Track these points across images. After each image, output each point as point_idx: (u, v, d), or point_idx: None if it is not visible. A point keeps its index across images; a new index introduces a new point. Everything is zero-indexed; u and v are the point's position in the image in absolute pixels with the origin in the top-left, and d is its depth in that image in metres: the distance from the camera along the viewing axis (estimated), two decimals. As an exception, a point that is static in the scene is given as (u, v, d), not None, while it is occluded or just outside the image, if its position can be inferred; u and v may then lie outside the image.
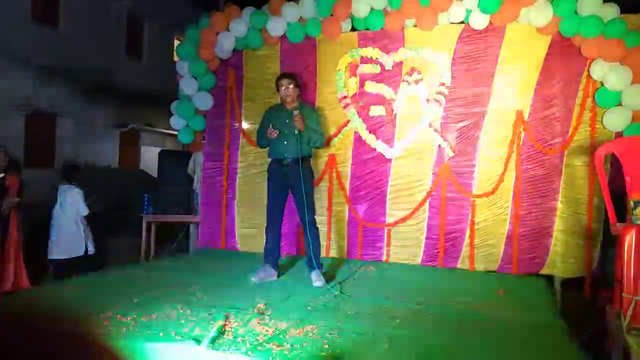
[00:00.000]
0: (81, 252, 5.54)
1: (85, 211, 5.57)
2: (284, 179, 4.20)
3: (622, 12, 4.27)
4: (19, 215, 5.02)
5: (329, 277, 4.09)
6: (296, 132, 4.07)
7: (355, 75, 5.16)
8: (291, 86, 4.18)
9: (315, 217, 4.27)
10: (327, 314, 3.16)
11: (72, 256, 5.49)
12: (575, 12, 4.32)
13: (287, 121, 4.14)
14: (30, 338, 2.76)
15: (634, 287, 3.15)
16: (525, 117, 4.68)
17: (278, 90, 4.26)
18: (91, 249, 5.65)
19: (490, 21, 4.63)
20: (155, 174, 8.16)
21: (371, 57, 5.08)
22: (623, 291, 3.20)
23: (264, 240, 4.31)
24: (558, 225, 4.62)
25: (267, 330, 2.76)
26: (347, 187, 5.20)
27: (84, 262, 5.47)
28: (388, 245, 5.06)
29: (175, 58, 5.97)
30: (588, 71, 4.45)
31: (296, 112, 4.08)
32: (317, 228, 4.23)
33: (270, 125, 4.08)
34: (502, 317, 3.18)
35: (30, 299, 3.25)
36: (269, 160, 4.36)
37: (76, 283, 3.71)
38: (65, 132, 10.74)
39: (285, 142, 4.14)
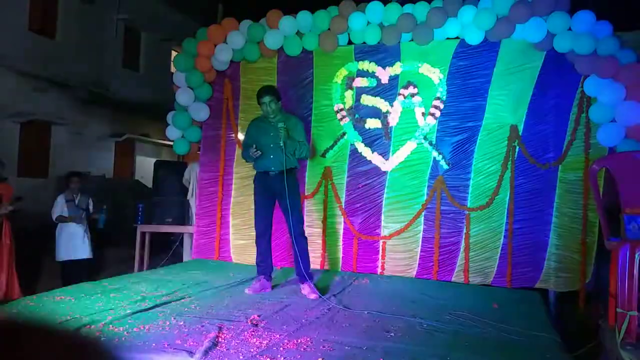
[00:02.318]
0: (80, 256, 5.69)
1: (54, 217, 5.67)
2: (270, 190, 4.19)
3: (615, 29, 4.33)
4: (12, 224, 4.98)
5: (322, 289, 4.07)
6: (281, 144, 4.06)
7: (351, 88, 5.20)
8: (272, 103, 4.14)
9: (307, 228, 4.24)
10: (321, 326, 3.14)
11: (71, 258, 5.66)
12: (569, 29, 4.38)
13: (271, 134, 4.13)
14: (22, 348, 2.72)
15: (628, 302, 3.15)
16: (520, 131, 4.72)
17: (259, 105, 4.19)
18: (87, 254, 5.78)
19: (485, 37, 4.69)
20: (150, 184, 8.14)
21: (367, 71, 5.13)
22: (617, 306, 3.20)
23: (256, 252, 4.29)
24: (552, 239, 4.64)
25: (260, 343, 2.74)
26: (343, 199, 5.21)
27: (84, 266, 5.72)
28: (383, 257, 5.05)
29: (172, 69, 5.99)
30: (582, 87, 4.50)
31: (282, 125, 4.05)
32: (305, 238, 4.20)
33: (254, 146, 4.06)
34: (497, 331, 3.17)
35: (22, 308, 3.21)
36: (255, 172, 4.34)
37: (69, 293, 3.67)
38: (61, 141, 10.72)
39: (272, 156, 4.13)
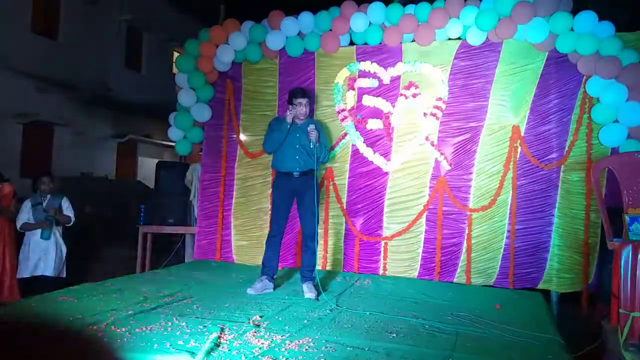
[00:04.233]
0: (44, 273, 4.93)
1: (18, 225, 4.91)
2: (292, 192, 4.21)
3: (617, 30, 4.32)
4: (13, 226, 4.95)
5: (324, 290, 4.07)
6: (312, 145, 4.09)
7: (353, 89, 5.20)
8: (307, 105, 4.19)
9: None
10: (323, 327, 3.14)
11: (32, 275, 4.90)
12: (571, 30, 4.38)
13: (297, 135, 4.15)
14: (24, 349, 2.73)
15: (630, 303, 3.15)
16: (522, 132, 4.71)
17: (292, 104, 4.17)
18: (53, 271, 4.96)
19: (487, 37, 4.69)
20: (152, 185, 8.16)
21: (369, 71, 5.12)
22: (620, 307, 3.20)
23: (263, 252, 4.29)
24: (555, 240, 4.63)
25: (262, 343, 2.74)
26: (344, 200, 5.20)
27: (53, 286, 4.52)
28: (385, 258, 5.04)
29: (174, 70, 5.99)
30: (584, 87, 4.50)
31: (312, 126, 4.09)
32: (317, 242, 4.25)
33: (290, 108, 4.10)
34: (499, 332, 3.17)
35: (24, 309, 3.22)
36: (274, 172, 4.36)
37: (71, 293, 3.67)
38: (63, 142, 10.75)
39: (297, 157, 4.15)
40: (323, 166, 5.20)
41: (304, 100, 4.17)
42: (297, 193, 4.19)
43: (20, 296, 4.78)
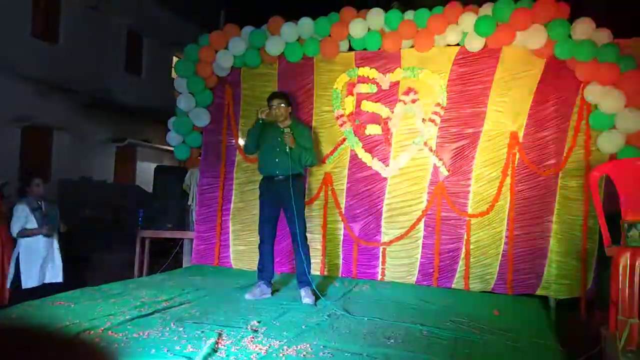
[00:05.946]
0: (53, 279, 4.73)
1: (15, 231, 4.57)
2: (276, 196, 4.21)
3: (615, 36, 4.34)
4: (6, 229, 4.90)
5: (322, 295, 4.06)
6: (287, 150, 4.09)
7: (352, 94, 5.21)
8: (282, 105, 4.20)
9: (307, 234, 4.26)
10: (321, 332, 3.13)
11: (43, 282, 4.68)
12: (570, 36, 4.40)
13: (278, 139, 4.16)
14: (20, 353, 2.72)
15: (629, 309, 3.14)
16: (520, 138, 4.72)
17: (269, 108, 4.25)
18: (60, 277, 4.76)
19: (485, 44, 4.70)
20: (151, 190, 8.15)
21: (368, 77, 5.14)
22: (618, 313, 3.19)
23: (258, 257, 4.29)
24: (553, 246, 4.63)
25: (260, 349, 2.73)
26: (343, 205, 5.20)
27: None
28: (383, 264, 5.04)
29: (174, 75, 6.00)
30: (582, 94, 4.51)
31: (287, 130, 4.12)
32: (307, 245, 4.21)
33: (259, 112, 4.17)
34: (497, 338, 3.16)
35: (22, 313, 3.21)
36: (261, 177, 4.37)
37: (68, 298, 3.66)
38: (62, 146, 10.74)
39: (277, 160, 4.16)
40: (320, 172, 5.22)
41: (274, 103, 4.19)
42: (281, 198, 4.16)
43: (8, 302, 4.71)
